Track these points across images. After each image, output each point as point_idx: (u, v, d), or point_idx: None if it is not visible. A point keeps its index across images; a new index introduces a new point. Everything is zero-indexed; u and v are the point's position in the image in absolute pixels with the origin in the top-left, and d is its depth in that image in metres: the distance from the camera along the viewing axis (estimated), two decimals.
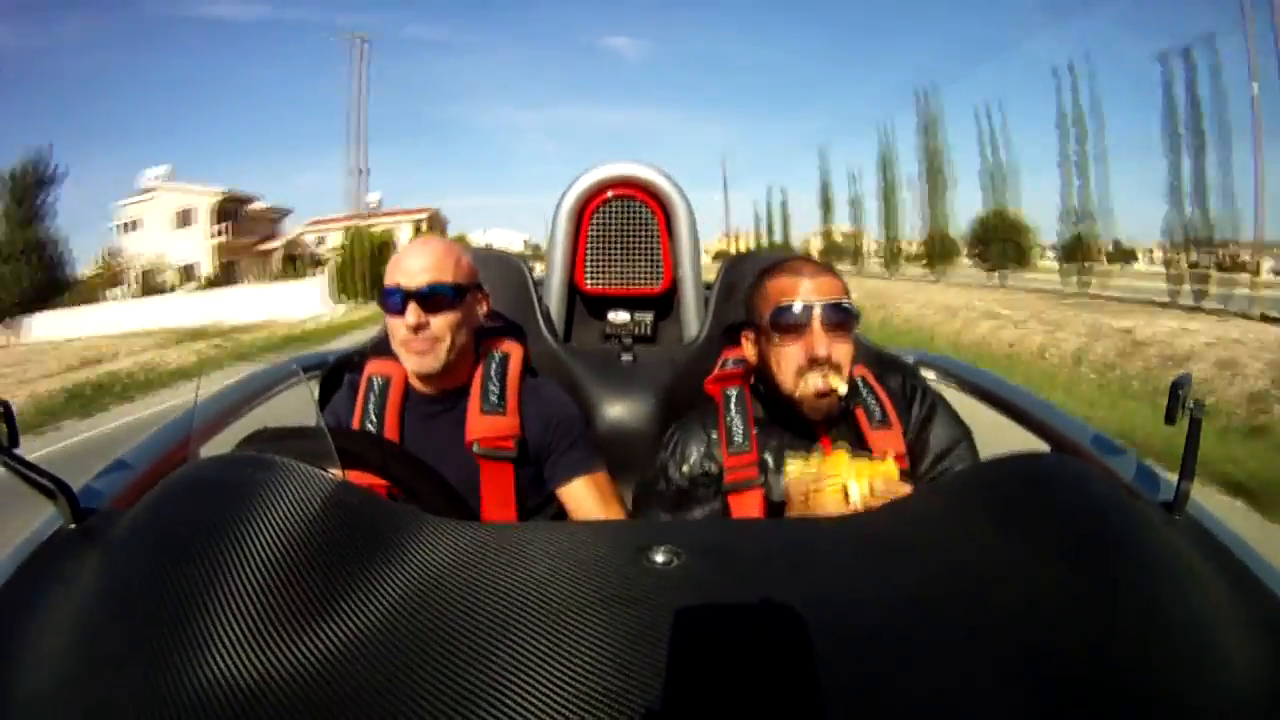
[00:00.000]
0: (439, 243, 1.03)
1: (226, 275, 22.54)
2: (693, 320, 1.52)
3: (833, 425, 0.94)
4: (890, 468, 0.76)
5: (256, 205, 25.73)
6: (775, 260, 1.00)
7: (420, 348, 0.97)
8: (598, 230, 1.54)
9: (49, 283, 17.09)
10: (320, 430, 0.70)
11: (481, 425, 0.98)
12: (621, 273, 1.55)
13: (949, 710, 0.38)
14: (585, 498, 1.03)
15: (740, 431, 0.94)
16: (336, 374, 1.14)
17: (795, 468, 0.79)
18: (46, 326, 16.66)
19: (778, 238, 33.02)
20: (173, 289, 21.02)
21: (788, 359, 0.90)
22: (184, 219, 23.15)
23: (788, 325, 0.89)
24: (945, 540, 0.53)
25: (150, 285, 21.07)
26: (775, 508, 0.79)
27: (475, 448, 0.97)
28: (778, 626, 0.44)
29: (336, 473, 0.58)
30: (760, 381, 0.99)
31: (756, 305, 0.96)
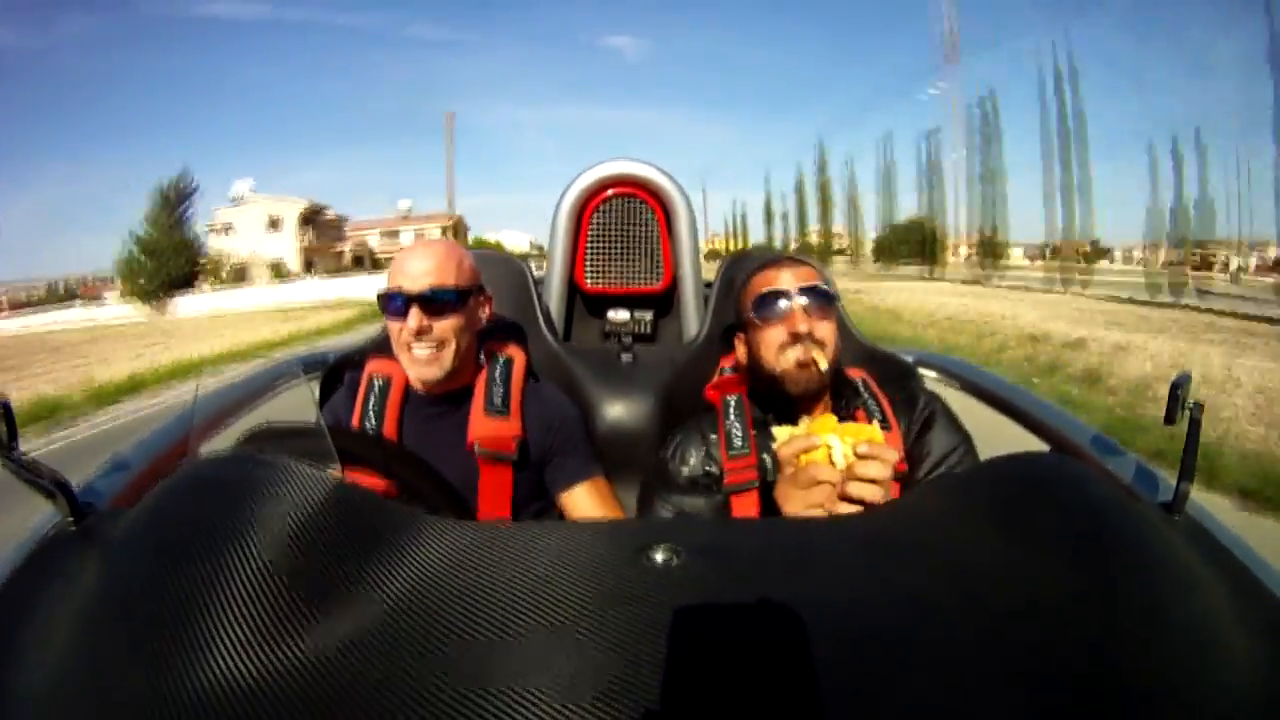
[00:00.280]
0: (441, 245, 1.02)
1: (307, 270, 28.61)
2: (692, 319, 1.52)
3: (818, 402, 0.97)
4: (875, 432, 0.77)
5: (329, 213, 31.64)
6: (760, 260, 1.07)
7: (424, 355, 0.96)
8: (598, 229, 1.54)
9: (188, 274, 23.60)
10: (320, 429, 0.70)
11: (484, 427, 0.98)
12: (622, 271, 1.55)
13: (948, 710, 0.38)
14: (586, 503, 1.03)
15: (739, 436, 0.95)
16: (337, 373, 1.14)
17: (784, 432, 0.80)
18: (188, 306, 22.94)
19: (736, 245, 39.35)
20: (263, 281, 27.31)
21: (771, 340, 0.95)
22: (274, 224, 28.85)
23: (770, 310, 0.96)
24: (944, 540, 0.53)
25: (240, 278, 26.68)
26: (774, 508, 0.80)
27: (477, 448, 0.97)
28: (777, 626, 0.44)
29: (336, 472, 0.58)
30: (752, 376, 1.01)
31: (743, 303, 1.02)
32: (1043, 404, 1.08)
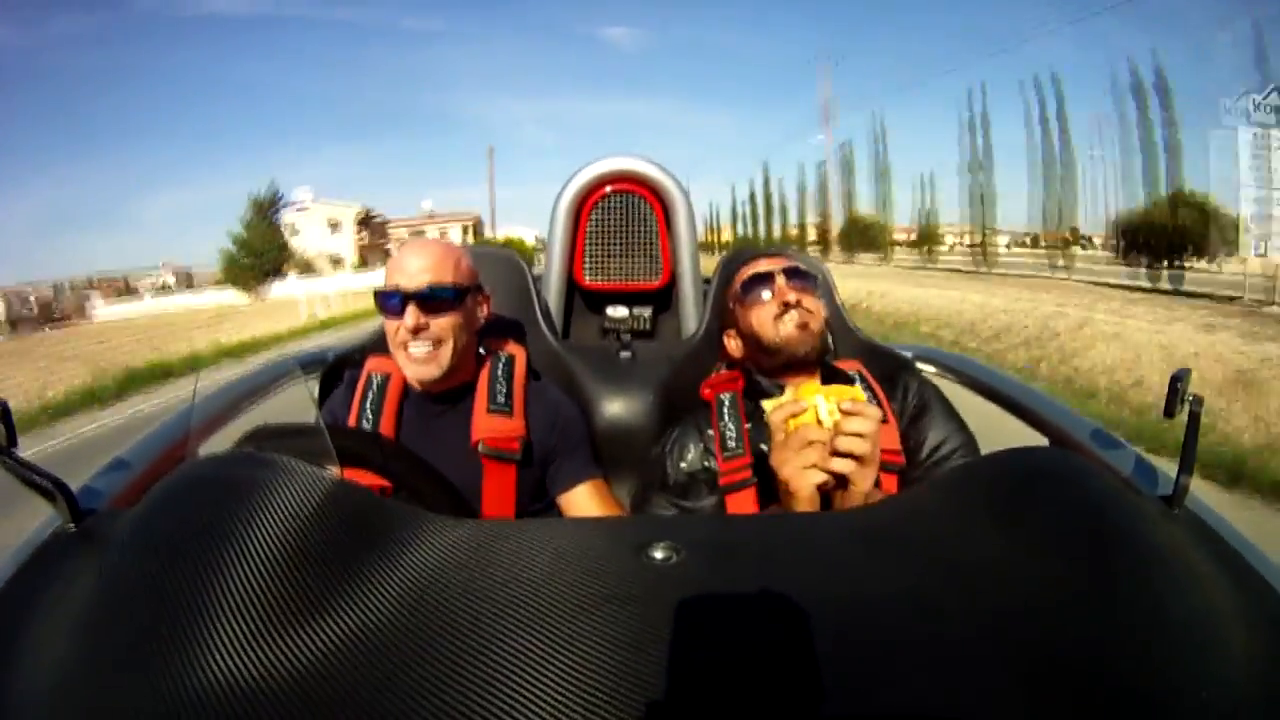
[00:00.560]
0: (438, 243, 1.01)
1: (363, 264, 33.25)
2: (691, 315, 1.52)
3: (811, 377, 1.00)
4: (857, 392, 0.80)
5: (379, 216, 37.23)
6: (737, 259, 1.15)
7: (420, 354, 0.95)
8: (596, 225, 1.54)
9: (277, 266, 29.97)
10: (319, 428, 0.70)
11: (488, 425, 0.97)
12: (620, 267, 1.55)
13: (949, 703, 0.38)
14: (586, 505, 1.03)
15: (734, 435, 0.95)
16: (336, 371, 1.14)
17: (771, 403, 0.82)
18: (279, 291, 28.30)
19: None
20: (329, 273, 32.69)
21: (763, 315, 1.00)
22: (334, 226, 34.37)
23: (757, 289, 1.02)
24: (944, 534, 0.53)
25: (307, 271, 32.04)
26: (770, 505, 0.80)
27: (481, 447, 0.96)
28: (777, 622, 0.44)
29: (335, 470, 0.58)
30: (748, 363, 1.04)
31: (730, 295, 1.08)
32: (1042, 398, 1.08)
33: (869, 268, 21.77)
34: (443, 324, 0.95)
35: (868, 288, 13.04)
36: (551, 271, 1.55)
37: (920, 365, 1.23)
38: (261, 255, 29.09)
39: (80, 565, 0.52)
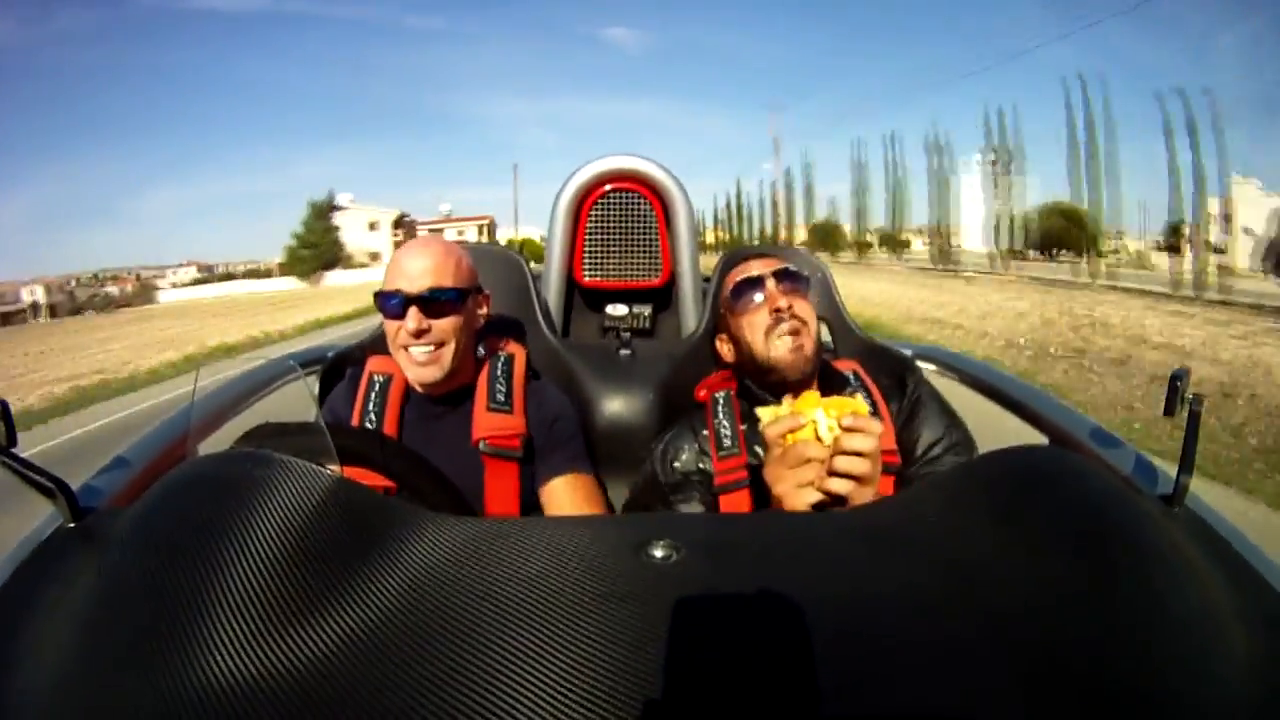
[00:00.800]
0: (439, 244, 1.01)
1: None
2: (691, 314, 1.52)
3: (806, 387, 0.97)
4: (859, 405, 0.76)
5: (409, 218, 43.27)
6: (728, 260, 1.13)
7: (422, 358, 0.95)
8: (596, 223, 1.53)
9: (332, 259, 36.81)
10: (319, 426, 0.70)
11: (488, 423, 0.97)
12: (620, 266, 1.55)
13: (948, 703, 0.38)
14: (562, 498, 1.00)
15: (729, 436, 0.95)
16: (337, 369, 1.14)
17: (768, 413, 0.78)
18: (332, 280, 34.62)
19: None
20: (365, 266, 37.99)
21: (754, 324, 0.97)
22: (373, 226, 40.18)
23: (747, 295, 0.99)
24: (944, 533, 0.53)
25: (351, 265, 38.06)
26: (764, 505, 0.79)
27: (482, 445, 0.96)
28: (777, 621, 0.44)
29: (335, 469, 0.58)
30: (742, 370, 1.01)
31: (721, 300, 1.06)
32: (1042, 396, 1.08)
33: (844, 264, 24.81)
34: (444, 326, 0.95)
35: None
36: (551, 270, 1.55)
37: (921, 364, 1.23)
38: (318, 249, 36.66)
39: (80, 564, 0.52)
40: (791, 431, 0.75)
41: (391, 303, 0.94)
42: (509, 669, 0.40)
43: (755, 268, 1.01)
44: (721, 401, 0.99)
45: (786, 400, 0.81)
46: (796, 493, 0.73)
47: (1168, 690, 0.39)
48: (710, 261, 1.48)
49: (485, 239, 37.35)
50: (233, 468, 0.55)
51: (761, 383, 0.98)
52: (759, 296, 0.98)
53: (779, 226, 34.55)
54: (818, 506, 0.72)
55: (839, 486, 0.72)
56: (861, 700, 0.39)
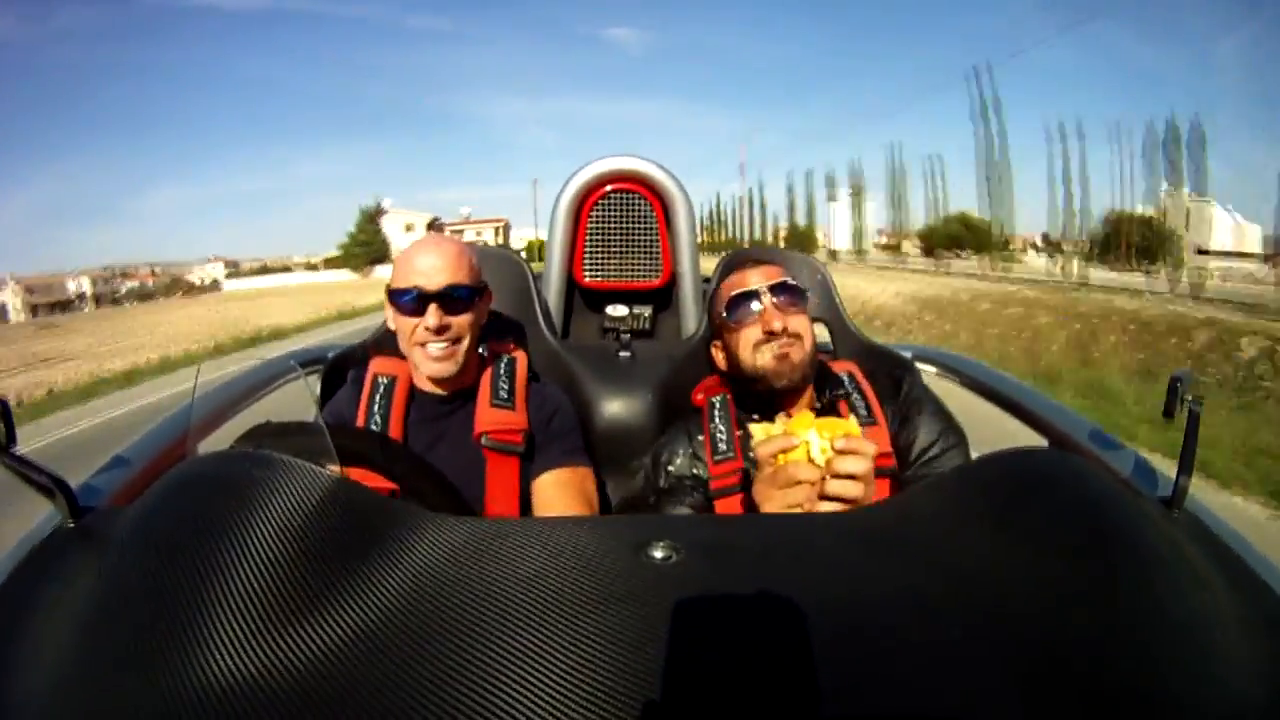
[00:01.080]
0: (451, 243, 1.01)
1: None
2: (691, 315, 1.52)
3: (800, 395, 0.97)
4: (853, 427, 0.76)
5: (438, 221, 47.44)
6: (727, 264, 1.09)
7: (439, 354, 0.95)
8: (597, 224, 1.53)
9: (380, 255, 41.97)
10: (319, 426, 0.70)
11: (491, 418, 0.98)
12: (620, 266, 1.55)
13: (947, 704, 0.38)
14: (552, 492, 0.98)
15: (724, 439, 0.94)
16: (337, 370, 1.14)
17: (761, 431, 0.78)
18: (379, 273, 37.58)
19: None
20: None
21: (746, 339, 0.96)
22: (409, 228, 44.90)
23: (742, 311, 0.97)
24: (943, 535, 0.53)
25: (391, 261, 42.00)
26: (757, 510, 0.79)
27: (484, 440, 0.96)
28: (776, 622, 0.44)
29: (335, 469, 0.58)
30: (733, 380, 1.00)
31: (715, 309, 1.03)
32: (1041, 399, 1.08)
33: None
34: (461, 322, 0.96)
35: None
36: (551, 270, 1.55)
37: (920, 366, 1.23)
38: (370, 246, 43.60)
39: (80, 563, 0.52)
40: (784, 451, 0.74)
41: (408, 299, 0.95)
42: (509, 669, 0.40)
43: (752, 279, 0.98)
44: (718, 406, 0.98)
45: (780, 419, 0.80)
46: (795, 514, 0.72)
47: (1167, 692, 0.39)
48: (709, 264, 1.48)
49: (501, 240, 43.63)
50: (233, 467, 0.55)
51: (751, 391, 0.97)
52: (753, 312, 0.96)
53: (745, 231, 41.65)
54: None
55: (828, 510, 0.71)
56: (861, 701, 0.39)
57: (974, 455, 0.98)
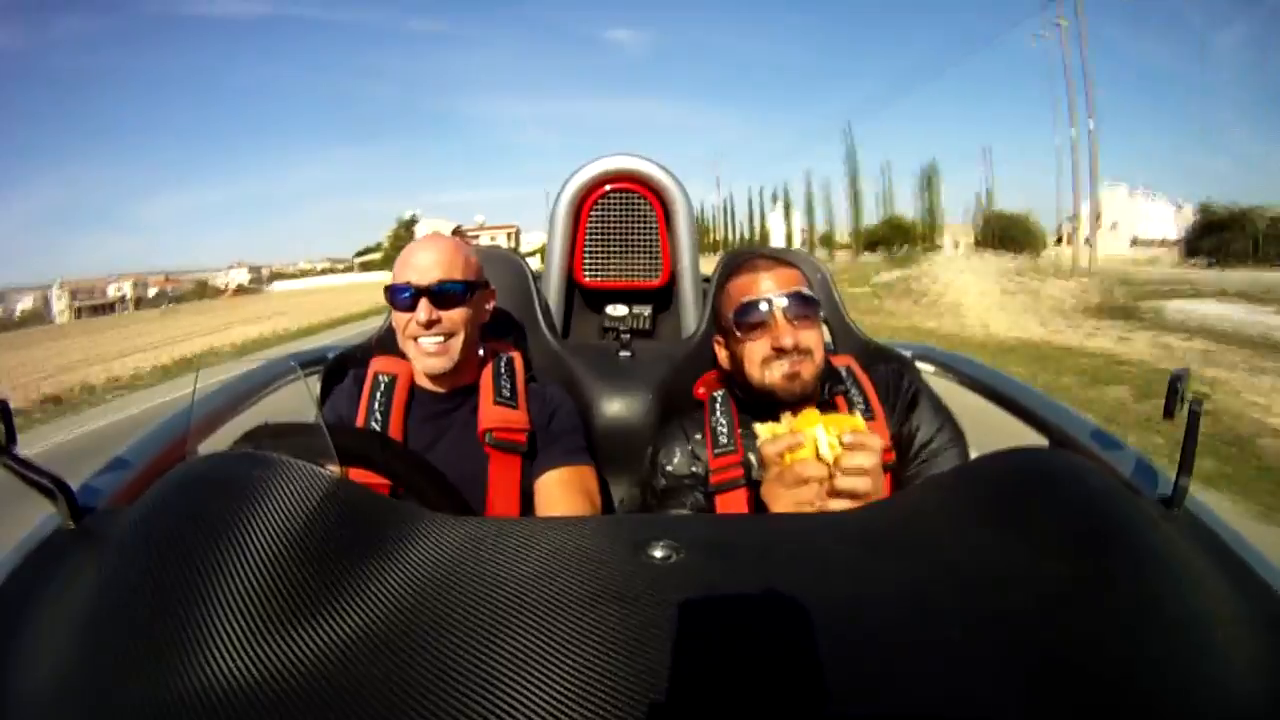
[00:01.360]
0: (447, 240, 1.03)
1: None
2: (691, 314, 1.52)
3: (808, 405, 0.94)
4: (858, 422, 0.76)
5: (459, 228, 50.82)
6: (735, 261, 1.04)
7: (432, 348, 0.96)
8: (597, 224, 1.53)
9: None
10: (319, 426, 0.70)
11: (494, 415, 0.98)
12: (620, 266, 1.55)
13: (948, 703, 0.38)
14: (555, 490, 0.97)
15: (725, 433, 0.94)
16: (338, 370, 1.14)
17: (766, 429, 0.77)
18: None
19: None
20: None
21: (754, 352, 0.92)
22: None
23: (752, 322, 0.92)
24: (944, 535, 0.53)
25: None
26: (761, 506, 0.78)
27: (488, 438, 0.97)
28: (777, 622, 0.44)
29: (335, 469, 0.58)
30: (735, 383, 0.99)
31: (722, 308, 0.99)
32: (1042, 398, 1.07)
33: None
34: (453, 317, 0.97)
35: None
36: (551, 270, 1.55)
37: (920, 364, 1.23)
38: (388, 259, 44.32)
39: (80, 563, 0.52)
40: (790, 450, 0.74)
41: (402, 295, 0.97)
42: (509, 669, 0.40)
43: (765, 286, 0.92)
44: (719, 400, 0.98)
45: (785, 418, 0.79)
46: (794, 513, 0.72)
47: (1167, 692, 0.39)
48: (709, 264, 1.48)
49: (512, 244, 46.59)
50: (233, 468, 0.55)
51: (753, 398, 0.96)
52: (763, 324, 0.91)
53: (718, 234, 49.06)
54: None
55: (839, 507, 0.71)
56: (861, 701, 0.39)
57: (973, 454, 0.99)
